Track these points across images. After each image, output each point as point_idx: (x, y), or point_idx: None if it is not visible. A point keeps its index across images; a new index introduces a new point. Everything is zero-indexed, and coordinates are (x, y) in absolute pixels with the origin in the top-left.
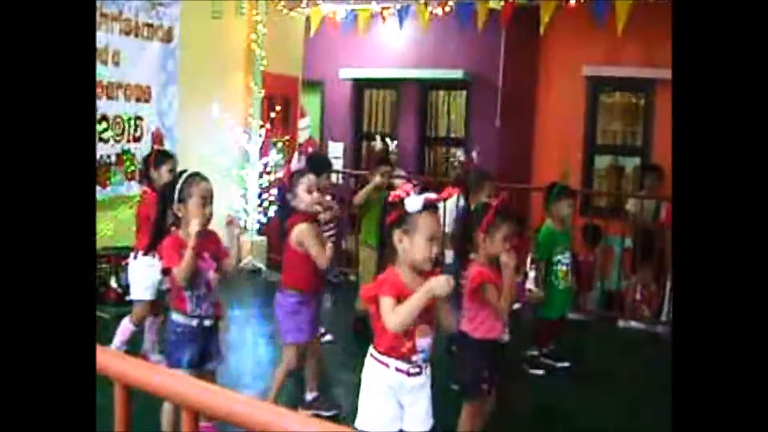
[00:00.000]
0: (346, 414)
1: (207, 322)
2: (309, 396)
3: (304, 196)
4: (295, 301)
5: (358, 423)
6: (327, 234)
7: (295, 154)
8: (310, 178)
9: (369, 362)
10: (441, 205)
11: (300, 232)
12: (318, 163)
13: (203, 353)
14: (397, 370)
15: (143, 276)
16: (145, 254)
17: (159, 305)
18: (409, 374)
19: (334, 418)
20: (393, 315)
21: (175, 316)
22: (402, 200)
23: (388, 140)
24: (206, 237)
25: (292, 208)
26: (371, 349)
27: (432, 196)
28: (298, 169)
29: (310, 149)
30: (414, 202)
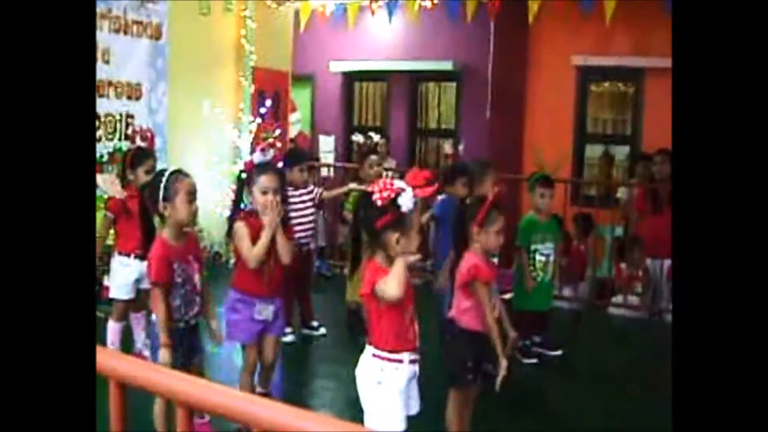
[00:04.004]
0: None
1: (192, 322)
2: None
3: (257, 197)
4: (233, 299)
5: (378, 427)
6: (302, 235)
7: (257, 150)
8: (268, 177)
9: (377, 365)
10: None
11: (236, 229)
12: (292, 157)
13: (189, 352)
14: (411, 362)
15: (120, 275)
16: (120, 254)
17: (141, 302)
18: (416, 362)
19: None
20: (388, 286)
21: None
22: (393, 201)
23: (372, 134)
24: (188, 238)
25: (241, 204)
26: (376, 351)
27: (415, 190)
28: (260, 163)
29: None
30: (407, 200)
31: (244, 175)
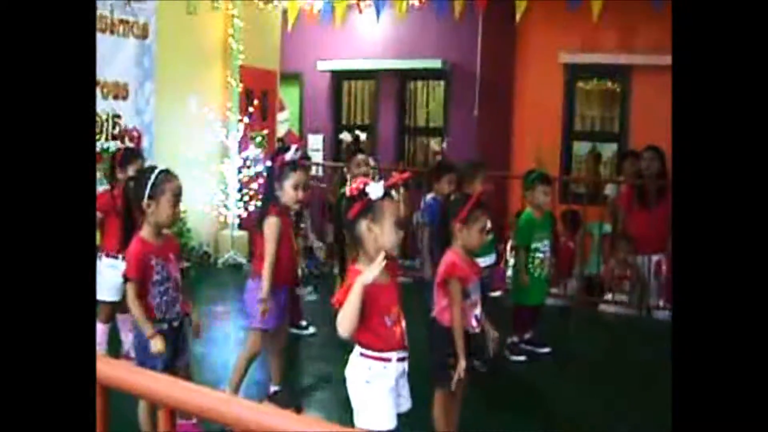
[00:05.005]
0: (318, 406)
1: (175, 323)
2: (271, 389)
3: (289, 191)
4: (257, 288)
5: (368, 426)
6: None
7: (293, 147)
8: (300, 174)
9: (365, 364)
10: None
11: (268, 224)
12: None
13: (174, 353)
14: (399, 360)
15: (106, 277)
16: (107, 256)
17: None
18: (405, 360)
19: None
20: (340, 321)
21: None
22: (362, 191)
23: (358, 132)
24: (167, 237)
25: (275, 198)
26: (364, 351)
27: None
28: (290, 161)
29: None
30: (376, 189)
31: (276, 171)
